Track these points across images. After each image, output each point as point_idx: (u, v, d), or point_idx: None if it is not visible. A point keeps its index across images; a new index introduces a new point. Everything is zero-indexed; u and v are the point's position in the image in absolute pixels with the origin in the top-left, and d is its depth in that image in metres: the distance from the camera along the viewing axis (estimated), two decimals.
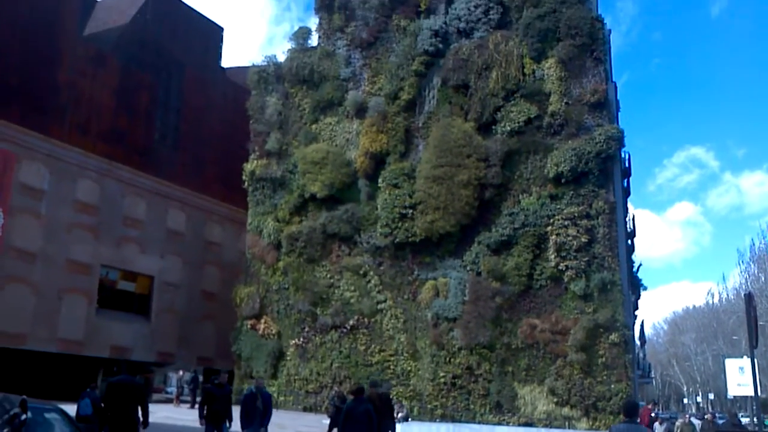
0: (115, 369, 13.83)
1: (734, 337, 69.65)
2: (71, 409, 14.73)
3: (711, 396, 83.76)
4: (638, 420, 8.78)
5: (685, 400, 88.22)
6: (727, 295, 77.01)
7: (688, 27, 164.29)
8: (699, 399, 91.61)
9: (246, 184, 31.67)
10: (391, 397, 16.76)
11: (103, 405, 11.57)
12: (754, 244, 62.33)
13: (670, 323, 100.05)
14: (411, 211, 27.74)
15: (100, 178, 30.89)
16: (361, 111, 30.10)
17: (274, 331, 29.59)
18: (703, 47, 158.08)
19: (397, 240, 27.90)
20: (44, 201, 28.61)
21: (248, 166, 31.55)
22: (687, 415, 25.86)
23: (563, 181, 26.61)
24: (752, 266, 62.04)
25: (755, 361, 6.80)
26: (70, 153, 29.58)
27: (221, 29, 39.82)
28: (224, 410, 13.25)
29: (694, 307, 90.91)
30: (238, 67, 39.07)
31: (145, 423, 10.84)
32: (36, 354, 28.13)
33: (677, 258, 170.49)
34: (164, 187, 33.80)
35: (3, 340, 26.32)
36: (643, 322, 39.92)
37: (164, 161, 34.31)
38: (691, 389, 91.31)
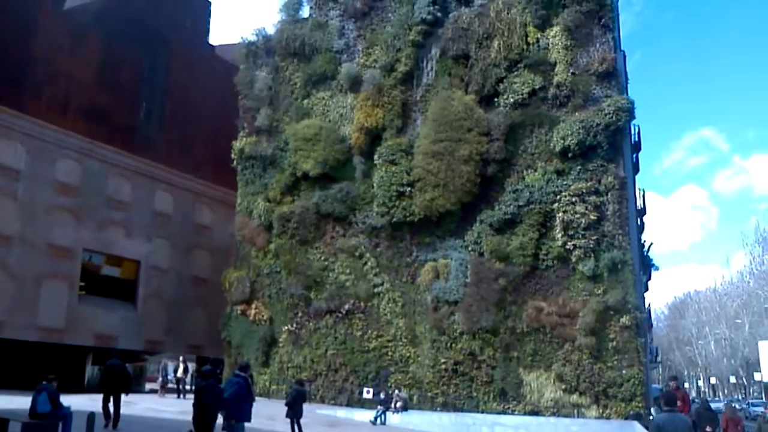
0: (114, 352, 16.89)
1: (737, 321, 68.50)
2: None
3: (713, 381, 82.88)
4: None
5: (686, 385, 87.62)
6: (731, 278, 75.97)
7: (702, 6, 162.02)
8: (700, 383, 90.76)
9: (235, 162, 30.13)
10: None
11: (101, 379, 15.68)
12: (759, 226, 61.06)
13: (671, 307, 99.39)
14: (409, 188, 26.22)
15: (81, 158, 29.39)
16: (355, 84, 28.46)
17: (265, 317, 28.15)
18: (716, 26, 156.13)
19: (395, 220, 26.39)
20: (21, 182, 27.17)
21: (237, 144, 30.00)
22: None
23: (570, 155, 25.08)
24: (757, 248, 60.93)
25: None
26: (48, 131, 28.09)
27: (209, 3, 38.42)
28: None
29: (695, 291, 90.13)
30: (228, 45, 37.52)
31: (126, 390, 15.64)
32: (14, 342, 26.70)
33: (683, 242, 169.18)
34: (150, 168, 32.27)
35: None
36: (649, 305, 38.63)
37: (150, 141, 32.82)
38: (692, 373, 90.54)
